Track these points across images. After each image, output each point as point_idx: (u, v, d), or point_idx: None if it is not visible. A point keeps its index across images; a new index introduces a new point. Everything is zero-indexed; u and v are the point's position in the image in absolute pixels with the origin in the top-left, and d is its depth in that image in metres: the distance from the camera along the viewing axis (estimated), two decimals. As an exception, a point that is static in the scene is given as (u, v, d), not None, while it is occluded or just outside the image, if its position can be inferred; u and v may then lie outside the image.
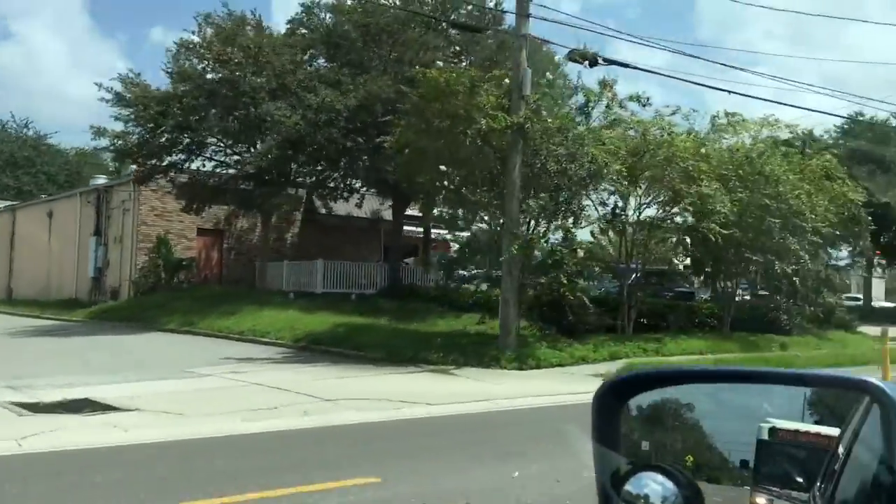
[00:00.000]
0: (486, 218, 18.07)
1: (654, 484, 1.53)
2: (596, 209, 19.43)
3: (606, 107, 17.09)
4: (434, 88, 16.64)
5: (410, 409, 11.10)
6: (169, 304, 25.68)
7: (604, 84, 17.14)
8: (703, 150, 18.71)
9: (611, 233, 19.82)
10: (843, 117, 46.64)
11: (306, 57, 26.32)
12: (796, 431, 1.67)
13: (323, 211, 32.49)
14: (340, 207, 31.00)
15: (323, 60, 26.41)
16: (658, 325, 21.48)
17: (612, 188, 16.89)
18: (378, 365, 15.99)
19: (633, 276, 23.98)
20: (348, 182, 28.10)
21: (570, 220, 16.44)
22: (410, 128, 16.95)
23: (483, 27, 18.70)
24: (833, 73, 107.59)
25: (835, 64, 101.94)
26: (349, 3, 25.54)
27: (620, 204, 19.16)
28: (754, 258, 20.91)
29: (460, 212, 18.55)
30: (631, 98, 17.67)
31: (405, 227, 30.83)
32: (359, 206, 29.82)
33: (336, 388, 12.83)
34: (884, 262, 51.07)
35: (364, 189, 28.79)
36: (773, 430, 1.67)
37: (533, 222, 17.24)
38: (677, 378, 1.84)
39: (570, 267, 16.20)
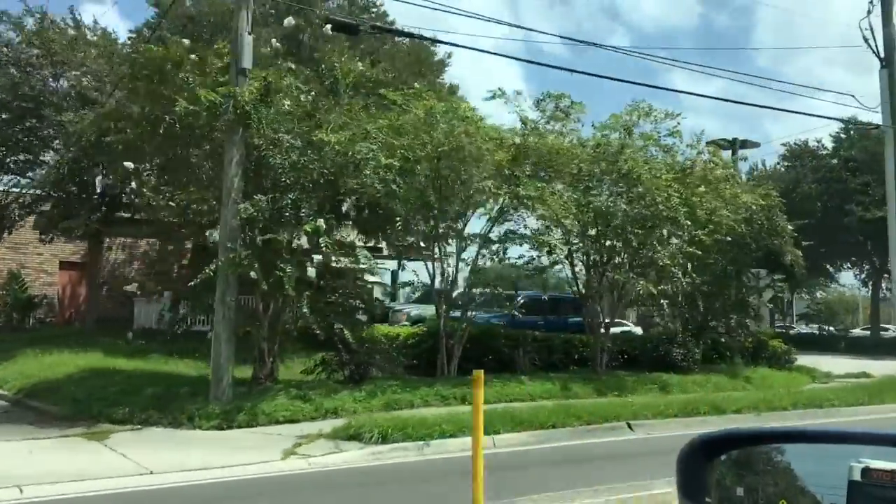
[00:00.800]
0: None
1: None
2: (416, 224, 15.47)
3: (347, 83, 13.09)
4: (155, 66, 13.07)
5: None
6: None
7: (339, 52, 13.27)
8: (518, 141, 14.64)
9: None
10: (838, 119, 41.40)
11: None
12: (893, 472, 1.55)
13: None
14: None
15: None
16: (512, 364, 17.32)
17: (381, 189, 12.83)
18: (46, 426, 12.22)
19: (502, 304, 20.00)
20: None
21: (292, 230, 12.35)
22: (107, 117, 13.32)
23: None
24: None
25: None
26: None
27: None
28: (616, 277, 16.62)
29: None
30: (364, 73, 13.62)
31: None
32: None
33: None
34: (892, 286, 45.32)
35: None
36: (866, 471, 1.57)
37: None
38: (760, 438, 1.82)
39: (297, 290, 12.17)
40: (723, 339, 20.40)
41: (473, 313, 21.28)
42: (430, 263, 15.86)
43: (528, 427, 11.79)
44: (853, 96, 21.65)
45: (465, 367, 16.37)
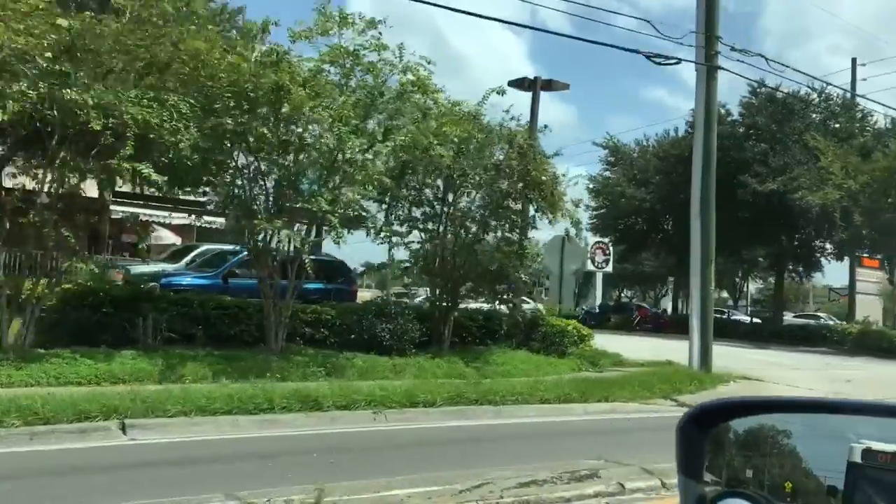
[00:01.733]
0: None
1: None
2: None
3: None
4: None
5: None
6: None
7: None
8: (69, 23, 10.56)
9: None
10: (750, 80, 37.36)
11: None
12: (894, 453, 1.51)
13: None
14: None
15: None
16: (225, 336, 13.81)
17: None
18: None
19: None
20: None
21: None
22: None
23: None
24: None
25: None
26: None
27: None
28: (264, 226, 12.67)
29: None
30: None
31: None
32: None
33: None
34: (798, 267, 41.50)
35: None
36: (867, 452, 1.54)
37: None
38: (758, 407, 1.82)
39: None
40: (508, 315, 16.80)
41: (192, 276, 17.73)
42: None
43: None
44: (649, 22, 17.66)
45: (73, 339, 12.65)
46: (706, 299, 16.66)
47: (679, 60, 16.73)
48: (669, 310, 55.38)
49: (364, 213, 14.41)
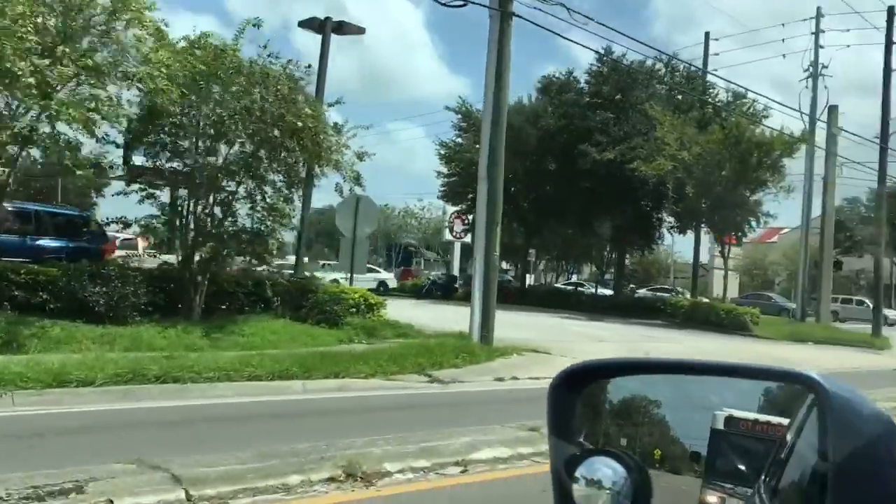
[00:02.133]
0: None
1: (605, 468, 1.54)
2: None
3: None
4: None
5: None
6: None
7: None
8: None
9: None
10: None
11: None
12: (755, 421, 1.62)
13: None
14: None
15: None
16: None
17: None
18: None
19: None
20: None
21: None
22: None
23: None
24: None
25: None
26: None
27: None
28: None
29: None
30: None
31: None
32: None
33: None
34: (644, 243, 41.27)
35: None
36: (729, 420, 1.62)
37: None
38: (621, 368, 1.78)
39: None
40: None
41: None
42: None
43: None
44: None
45: None
46: (490, 264, 15.23)
47: (466, 2, 15.06)
48: (531, 280, 54.60)
49: (78, 156, 12.05)
